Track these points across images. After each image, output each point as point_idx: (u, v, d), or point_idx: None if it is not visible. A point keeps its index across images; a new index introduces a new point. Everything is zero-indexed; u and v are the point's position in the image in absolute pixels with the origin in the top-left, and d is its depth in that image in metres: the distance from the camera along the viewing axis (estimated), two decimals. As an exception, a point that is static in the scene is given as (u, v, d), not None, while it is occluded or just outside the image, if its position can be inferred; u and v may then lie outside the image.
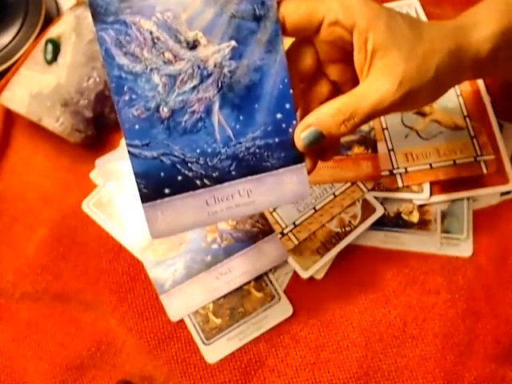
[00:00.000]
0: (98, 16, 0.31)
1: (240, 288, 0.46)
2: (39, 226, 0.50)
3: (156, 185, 0.33)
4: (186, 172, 0.33)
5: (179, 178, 0.33)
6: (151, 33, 0.31)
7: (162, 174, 0.33)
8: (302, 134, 0.33)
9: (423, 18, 0.54)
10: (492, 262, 0.46)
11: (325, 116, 0.33)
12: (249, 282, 0.46)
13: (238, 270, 0.46)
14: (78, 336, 0.46)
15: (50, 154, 0.53)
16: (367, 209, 0.47)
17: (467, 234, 0.47)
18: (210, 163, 0.33)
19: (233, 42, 0.32)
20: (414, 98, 0.33)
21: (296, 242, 0.46)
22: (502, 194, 0.48)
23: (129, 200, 0.48)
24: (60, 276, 0.48)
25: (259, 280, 0.46)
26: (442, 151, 0.48)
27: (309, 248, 0.46)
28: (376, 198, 0.48)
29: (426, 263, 0.46)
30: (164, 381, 0.44)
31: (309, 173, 0.35)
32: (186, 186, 0.33)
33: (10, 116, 0.54)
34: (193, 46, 0.32)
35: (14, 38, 0.57)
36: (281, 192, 0.34)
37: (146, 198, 0.33)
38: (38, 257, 0.48)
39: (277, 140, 0.33)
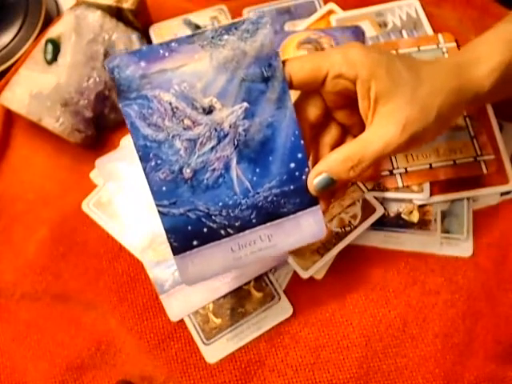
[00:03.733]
0: (122, 93, 0.33)
1: (240, 288, 0.46)
2: (39, 226, 0.50)
3: (185, 238, 0.35)
4: (211, 224, 0.35)
5: (205, 230, 0.35)
6: (170, 103, 0.34)
7: (190, 227, 0.35)
8: (314, 181, 0.35)
9: (423, 18, 0.54)
10: (492, 262, 0.46)
11: (335, 163, 0.34)
12: (249, 282, 0.46)
13: (238, 270, 0.46)
14: (78, 336, 0.46)
15: (50, 154, 0.53)
16: (367, 209, 0.47)
17: (467, 234, 0.47)
18: (231, 214, 0.35)
19: (245, 104, 0.34)
20: (418, 138, 0.34)
21: (296, 242, 0.47)
22: (502, 193, 0.48)
23: (129, 200, 0.48)
24: (60, 276, 0.48)
25: (259, 280, 0.46)
26: (442, 151, 0.48)
27: (309, 248, 0.46)
28: (376, 198, 0.48)
29: (426, 263, 0.46)
30: (164, 381, 0.44)
31: (323, 213, 0.36)
32: (212, 236, 0.36)
33: (10, 116, 0.54)
34: (209, 111, 0.34)
35: (14, 38, 0.57)
36: (299, 234, 0.36)
37: (176, 250, 0.36)
38: (38, 257, 0.48)
39: (292, 187, 0.36)
